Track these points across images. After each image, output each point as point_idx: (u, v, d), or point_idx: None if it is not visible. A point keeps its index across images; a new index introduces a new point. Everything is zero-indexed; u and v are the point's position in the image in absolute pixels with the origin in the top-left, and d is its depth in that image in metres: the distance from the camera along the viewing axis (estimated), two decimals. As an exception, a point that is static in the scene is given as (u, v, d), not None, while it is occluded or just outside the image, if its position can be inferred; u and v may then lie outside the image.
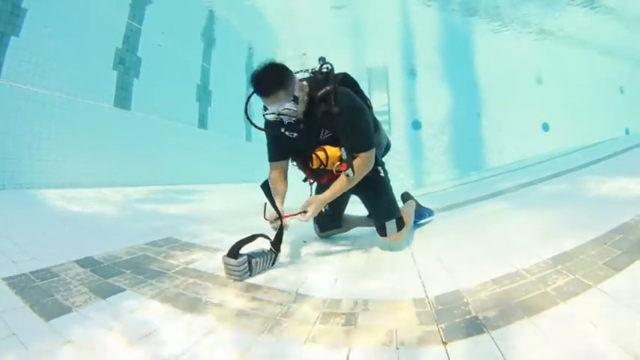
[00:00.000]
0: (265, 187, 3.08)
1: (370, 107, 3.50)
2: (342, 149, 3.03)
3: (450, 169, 15.91)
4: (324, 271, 2.84)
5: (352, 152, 3.05)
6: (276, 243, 3.02)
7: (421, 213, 4.32)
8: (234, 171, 11.90)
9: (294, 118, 2.95)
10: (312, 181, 3.42)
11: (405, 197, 4.49)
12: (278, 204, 3.06)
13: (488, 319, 1.81)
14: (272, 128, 3.11)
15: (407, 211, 3.85)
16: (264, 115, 3.03)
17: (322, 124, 3.08)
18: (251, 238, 2.90)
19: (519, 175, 7.05)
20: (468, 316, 1.87)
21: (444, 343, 1.66)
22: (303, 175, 3.45)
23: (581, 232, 2.69)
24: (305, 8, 15.14)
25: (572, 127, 15.06)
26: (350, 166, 3.01)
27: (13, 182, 5.80)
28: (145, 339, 1.83)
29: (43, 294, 2.28)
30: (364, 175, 3.17)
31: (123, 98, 8.56)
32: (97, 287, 2.44)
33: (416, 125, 17.00)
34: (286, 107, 2.85)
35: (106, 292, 2.37)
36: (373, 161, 3.23)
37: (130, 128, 8.64)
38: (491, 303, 1.96)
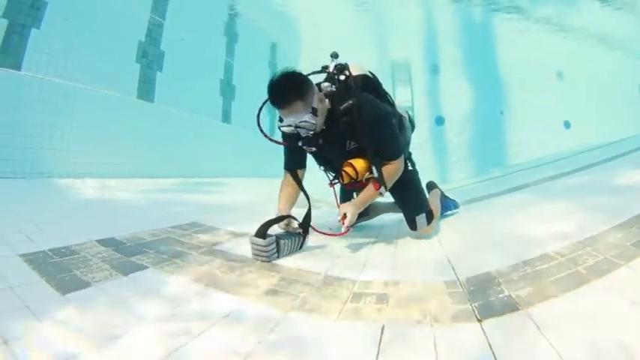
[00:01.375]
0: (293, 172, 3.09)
1: (393, 105, 3.34)
2: (373, 168, 2.87)
3: (473, 165, 15.71)
4: (351, 255, 2.75)
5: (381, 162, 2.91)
6: (305, 226, 2.90)
7: (446, 205, 4.14)
8: (258, 165, 11.79)
9: (312, 132, 2.76)
10: (334, 182, 3.28)
11: (430, 186, 4.32)
12: (284, 207, 3.00)
13: (521, 297, 1.76)
14: (289, 140, 2.94)
15: (434, 202, 3.69)
16: (279, 128, 2.82)
17: (346, 136, 2.90)
18: (279, 219, 2.80)
19: (542, 170, 7.05)
20: (501, 295, 1.82)
21: (479, 321, 1.61)
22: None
23: (607, 217, 2.66)
24: (328, 5, 15.09)
25: (592, 125, 14.81)
26: (382, 184, 2.84)
27: (34, 171, 5.78)
28: (169, 314, 1.71)
29: (61, 270, 2.17)
30: (394, 181, 3.01)
31: (146, 91, 8.57)
32: (118, 265, 2.33)
33: (439, 121, 16.84)
34: (304, 120, 2.65)
35: (128, 269, 2.26)
36: (402, 168, 3.05)
37: (152, 120, 8.63)
38: (523, 283, 1.92)
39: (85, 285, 1.96)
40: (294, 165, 3.17)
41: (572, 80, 16.69)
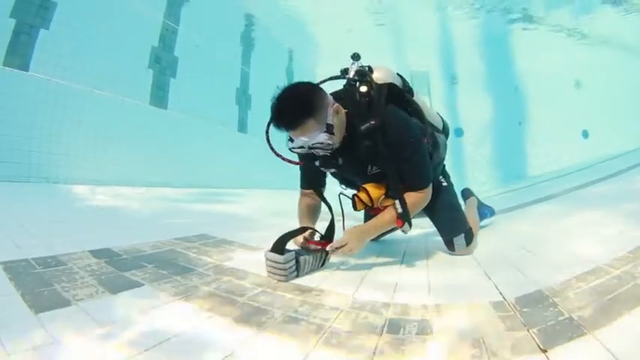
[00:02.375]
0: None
1: (423, 117, 2.89)
2: (397, 202, 2.49)
3: (493, 176, 15.63)
4: (380, 274, 2.45)
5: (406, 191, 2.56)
6: (328, 239, 2.57)
7: (482, 213, 3.87)
8: (274, 176, 11.61)
9: (329, 151, 2.40)
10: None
11: (465, 195, 4.02)
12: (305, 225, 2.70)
13: (585, 318, 1.52)
14: (304, 160, 2.61)
15: (472, 215, 3.41)
16: (290, 150, 2.44)
17: (368, 160, 2.55)
18: (298, 231, 2.51)
19: (566, 180, 7.07)
20: (561, 318, 1.57)
21: (544, 351, 1.33)
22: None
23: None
24: (345, 15, 14.98)
25: (611, 134, 14.73)
26: (406, 219, 2.51)
27: (38, 176, 5.61)
28: (159, 346, 1.37)
29: (41, 283, 1.88)
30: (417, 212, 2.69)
31: (159, 97, 8.42)
32: (108, 280, 2.01)
33: (458, 133, 16.71)
34: (318, 141, 2.29)
35: (119, 286, 1.95)
36: (429, 198, 2.69)
37: (164, 127, 8.46)
38: (582, 302, 1.69)
39: (64, 303, 1.66)
40: (311, 185, 2.87)
41: (590, 89, 16.76)
